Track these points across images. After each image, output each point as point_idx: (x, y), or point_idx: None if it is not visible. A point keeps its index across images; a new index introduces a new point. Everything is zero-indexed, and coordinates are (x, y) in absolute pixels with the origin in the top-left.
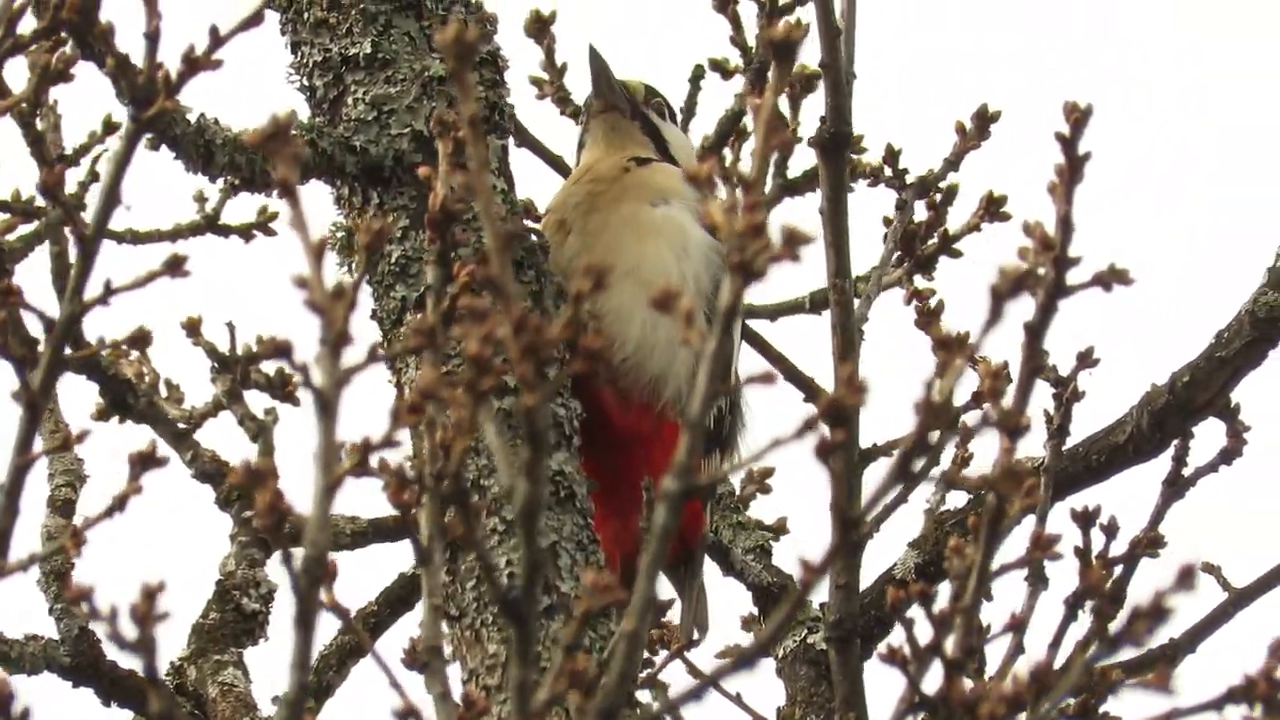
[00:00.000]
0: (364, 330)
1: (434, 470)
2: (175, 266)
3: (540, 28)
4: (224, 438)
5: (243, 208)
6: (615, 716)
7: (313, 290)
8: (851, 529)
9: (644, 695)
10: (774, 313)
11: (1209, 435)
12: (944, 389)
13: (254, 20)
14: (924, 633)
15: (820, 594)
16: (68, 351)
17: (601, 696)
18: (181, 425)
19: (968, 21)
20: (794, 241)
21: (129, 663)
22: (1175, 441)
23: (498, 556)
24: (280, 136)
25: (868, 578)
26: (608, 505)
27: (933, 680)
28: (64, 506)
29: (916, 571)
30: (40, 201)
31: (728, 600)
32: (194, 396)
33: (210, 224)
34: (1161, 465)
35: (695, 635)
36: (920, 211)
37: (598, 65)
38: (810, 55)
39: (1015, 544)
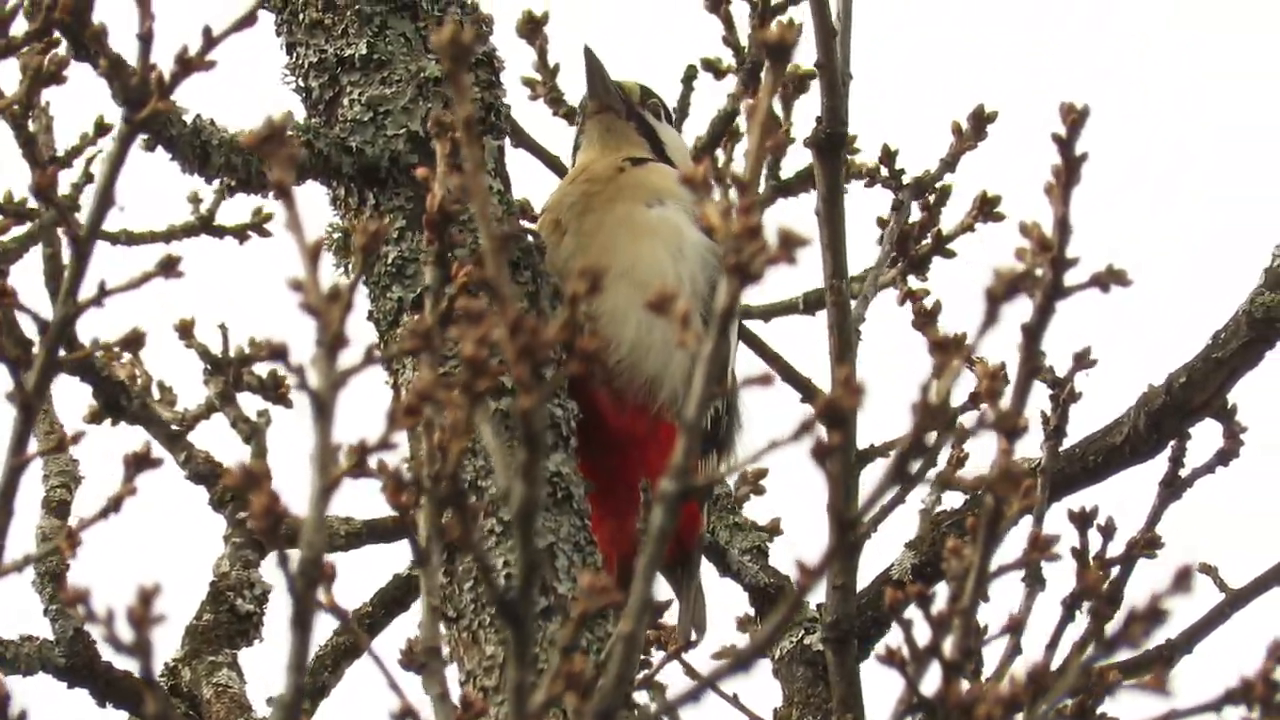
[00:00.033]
0: (360, 331)
1: (432, 472)
2: (169, 268)
3: (533, 28)
4: (217, 439)
5: (237, 208)
6: (612, 718)
7: (308, 292)
8: (848, 530)
9: (641, 696)
10: (767, 313)
11: (1206, 436)
12: (941, 390)
13: (247, 21)
14: (922, 634)
15: (817, 594)
16: (62, 353)
17: (599, 698)
18: (175, 427)
19: (964, 19)
20: (790, 243)
21: (125, 664)
22: (1172, 442)
23: (495, 558)
24: (276, 138)
25: (864, 578)
26: (604, 506)
27: (930, 681)
28: (59, 507)
29: (914, 572)
30: (33, 203)
31: (724, 601)
32: (187, 398)
33: (205, 225)
34: (1158, 466)
35: (693, 636)
36: (914, 212)
37: (593, 66)
38: (804, 55)
39: (1013, 545)
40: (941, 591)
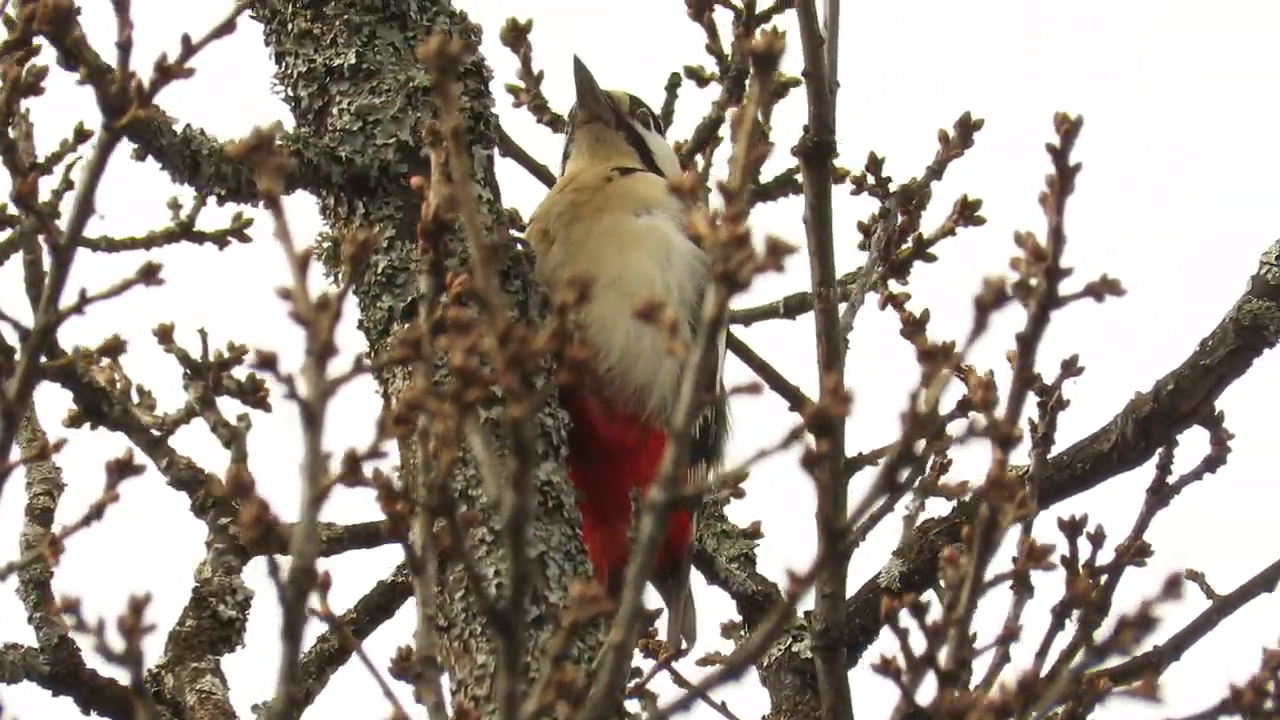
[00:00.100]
0: (350, 340)
1: (426, 481)
2: (150, 275)
3: (517, 36)
4: (198, 445)
5: (217, 214)
6: None
7: (298, 301)
8: (838, 539)
9: (632, 705)
10: (748, 318)
11: (1193, 443)
12: (929, 399)
13: (226, 28)
14: (915, 643)
15: (805, 602)
16: (44, 360)
17: (590, 707)
18: (155, 432)
19: (959, 20)
20: (778, 251)
21: (109, 672)
22: (1160, 449)
23: (486, 567)
24: (264, 148)
25: (850, 586)
26: (593, 515)
27: (922, 691)
28: (42, 515)
29: (902, 580)
30: (13, 210)
31: (711, 608)
32: (166, 403)
33: (185, 231)
34: (1146, 473)
35: (683, 645)
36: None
37: (582, 75)
38: (790, 63)
39: (1001, 553)
40: (928, 598)
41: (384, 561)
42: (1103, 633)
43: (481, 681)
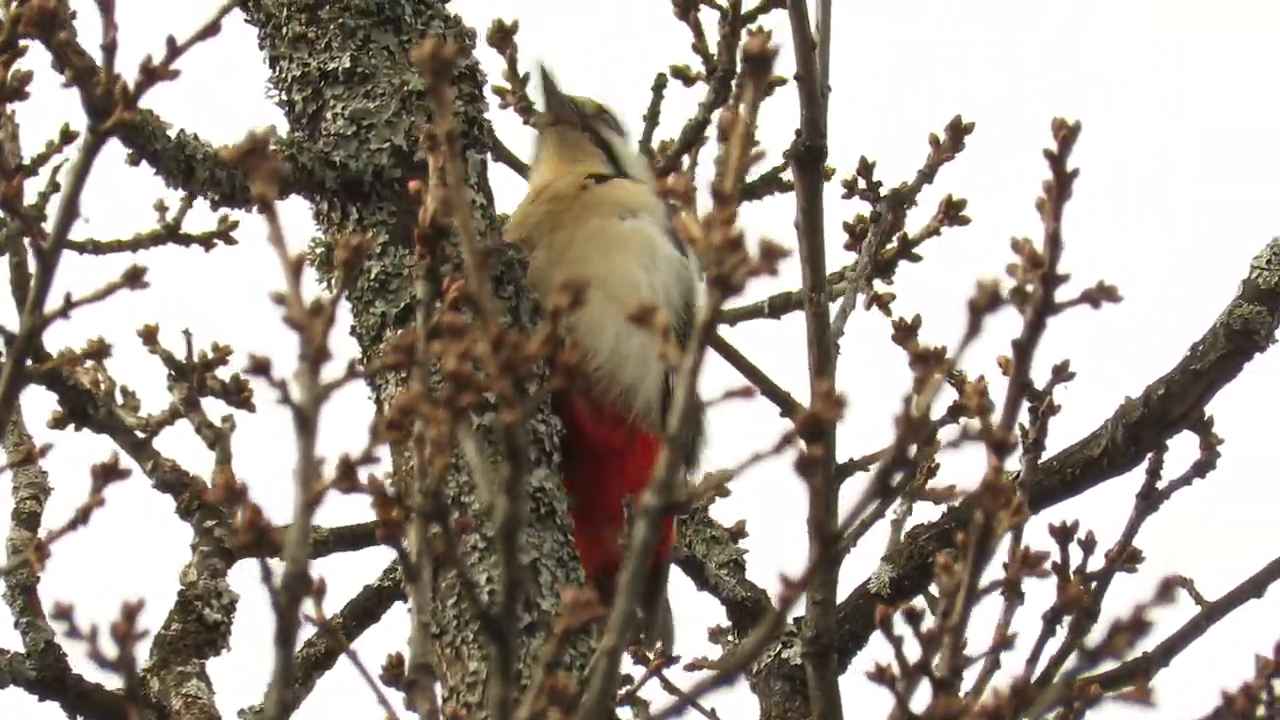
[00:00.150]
0: (343, 346)
1: (421, 487)
2: (135, 278)
3: (503, 37)
4: (183, 446)
5: (203, 216)
6: None
7: (291, 306)
8: (830, 544)
9: (624, 712)
10: (733, 318)
11: (1183, 448)
12: (921, 404)
13: (211, 30)
14: (909, 650)
15: (795, 608)
16: (30, 364)
17: (582, 714)
18: (139, 433)
19: (945, 23)
20: (772, 255)
21: (96, 677)
22: (1150, 455)
23: (478, 574)
24: (258, 152)
25: (839, 591)
26: (580, 518)
27: (916, 698)
28: (29, 519)
29: (892, 586)
30: None
31: (701, 614)
32: (151, 404)
33: (171, 233)
34: (1136, 478)
35: (659, 647)
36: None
37: (545, 79)
38: (780, 65)
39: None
40: (919, 604)
41: (369, 565)
42: (1094, 638)
43: (473, 688)
